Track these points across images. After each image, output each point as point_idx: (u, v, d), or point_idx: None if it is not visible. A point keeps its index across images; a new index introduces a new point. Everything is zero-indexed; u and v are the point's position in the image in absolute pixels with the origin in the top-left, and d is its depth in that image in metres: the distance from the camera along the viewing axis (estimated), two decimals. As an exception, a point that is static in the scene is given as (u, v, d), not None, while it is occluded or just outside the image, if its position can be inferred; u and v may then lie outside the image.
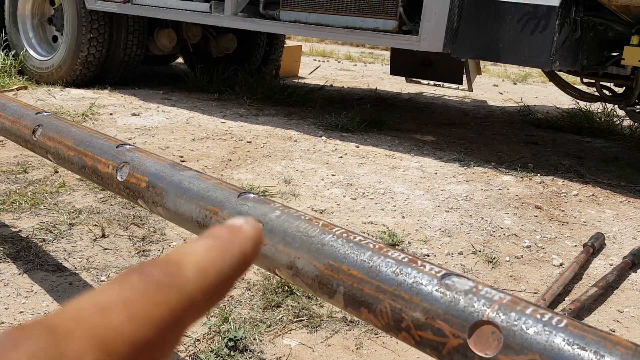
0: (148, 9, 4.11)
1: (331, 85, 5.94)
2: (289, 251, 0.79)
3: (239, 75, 5.25)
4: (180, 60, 6.61)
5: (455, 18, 3.02)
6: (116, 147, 1.18)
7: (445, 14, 2.97)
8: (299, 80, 6.38)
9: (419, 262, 0.69)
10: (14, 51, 4.84)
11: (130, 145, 1.19)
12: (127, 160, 1.12)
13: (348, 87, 6.10)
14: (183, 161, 2.91)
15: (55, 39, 4.91)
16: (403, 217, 2.32)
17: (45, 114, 1.39)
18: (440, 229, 2.21)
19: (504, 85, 7.49)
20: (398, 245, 2.03)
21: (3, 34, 4.98)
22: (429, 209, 2.41)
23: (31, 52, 4.83)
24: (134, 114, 3.81)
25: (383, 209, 2.38)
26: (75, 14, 4.43)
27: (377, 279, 0.69)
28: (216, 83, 5.05)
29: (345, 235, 0.76)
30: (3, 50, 4.83)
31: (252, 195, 0.93)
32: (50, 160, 1.34)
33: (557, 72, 3.70)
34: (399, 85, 6.42)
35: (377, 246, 0.74)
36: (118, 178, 1.12)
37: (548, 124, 4.57)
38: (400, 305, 0.65)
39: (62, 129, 1.29)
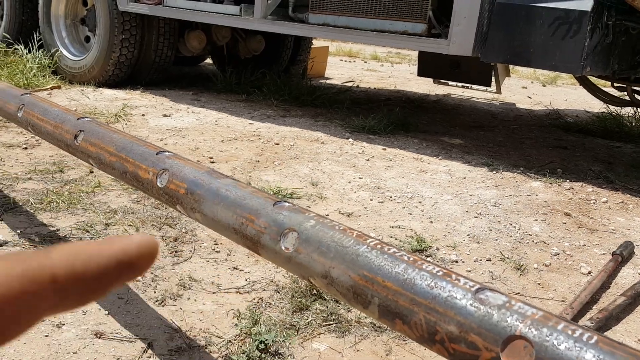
0: (179, 12, 4.19)
1: (357, 86, 5.95)
2: (324, 261, 0.82)
3: (267, 76, 5.30)
4: (208, 60, 6.69)
5: (485, 22, 3.01)
6: (156, 154, 1.22)
7: (475, 18, 2.96)
8: (326, 80, 6.41)
9: (453, 276, 0.71)
10: (48, 51, 4.97)
11: (169, 152, 1.23)
12: (167, 167, 1.16)
13: (375, 88, 6.11)
14: (212, 162, 2.96)
15: (87, 39, 5.03)
16: (431, 222, 2.32)
17: (86, 119, 1.45)
18: (468, 235, 2.21)
19: (533, 87, 7.41)
20: (426, 251, 2.05)
21: (37, 34, 5.12)
22: (457, 214, 2.42)
23: (64, 52, 4.95)
24: (165, 115, 3.88)
25: (411, 213, 2.39)
26: (107, 15, 4.52)
27: (412, 291, 0.71)
28: (244, 84, 5.11)
29: (379, 246, 0.79)
30: (38, 50, 4.96)
31: (287, 204, 0.96)
32: (92, 165, 1.39)
33: (588, 77, 3.65)
34: (426, 86, 6.40)
35: (411, 258, 0.76)
36: (158, 184, 1.16)
37: (577, 128, 4.51)
38: (435, 318, 0.67)
39: (103, 135, 1.34)
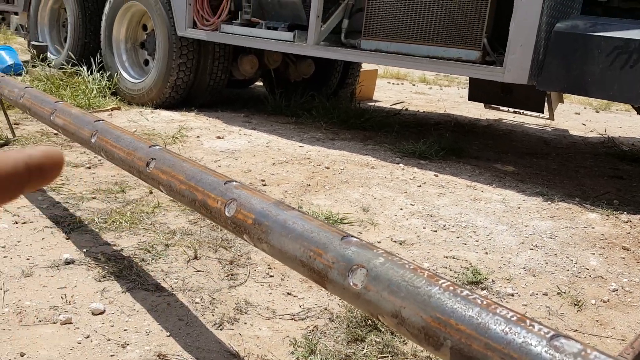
0: (235, 38, 4.31)
1: (406, 109, 5.95)
2: (394, 300, 0.84)
3: (316, 99, 5.38)
4: (258, 82, 6.84)
5: (541, 50, 2.98)
6: (224, 184, 1.27)
7: (531, 46, 2.94)
8: (374, 103, 6.44)
9: (528, 322, 0.72)
10: (109, 73, 5.19)
11: (236, 182, 1.27)
12: (235, 197, 1.21)
13: (424, 112, 6.10)
14: (264, 185, 3.02)
15: (146, 62, 5.23)
16: (486, 252, 2.30)
17: (157, 147, 1.52)
18: (524, 268, 2.18)
19: (586, 113, 7.23)
20: (481, 283, 2.02)
21: (99, 56, 5.36)
22: (512, 246, 2.38)
23: (124, 74, 5.17)
24: (218, 137, 3.98)
25: (465, 243, 2.37)
26: (166, 40, 4.70)
27: (486, 336, 0.71)
28: (294, 107, 5.20)
29: (452, 288, 0.80)
30: (99, 72, 5.19)
31: (354, 239, 0.98)
32: (162, 191, 1.45)
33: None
34: (476, 110, 6.34)
35: (485, 302, 0.76)
36: (226, 213, 1.21)
37: (633, 157, 4.37)
38: (511, 365, 0.68)
39: (174, 164, 1.40)
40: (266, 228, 1.10)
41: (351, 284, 0.90)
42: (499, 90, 4.66)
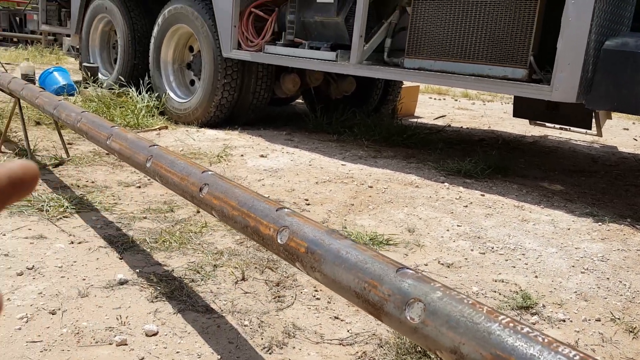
0: (278, 58, 4.38)
1: (449, 126, 5.91)
2: (453, 335, 0.83)
3: (357, 116, 5.40)
4: (299, 99, 6.91)
5: (590, 68, 2.93)
6: (276, 211, 1.29)
7: (579, 64, 2.88)
8: (416, 119, 6.41)
9: (593, 364, 0.70)
10: (157, 93, 5.35)
11: (287, 209, 1.29)
12: (287, 225, 1.22)
13: (467, 128, 6.04)
14: (308, 204, 3.04)
15: (192, 82, 5.37)
16: (536, 276, 2.25)
17: (209, 173, 1.55)
18: (576, 292, 2.12)
19: (636, 128, 7.01)
20: (532, 308, 1.98)
21: (147, 78, 5.54)
22: (563, 269, 2.32)
23: (171, 94, 5.31)
24: (261, 156, 4.04)
25: (514, 267, 2.32)
26: (212, 61, 4.82)
27: (550, 377, 0.70)
28: (335, 124, 5.23)
29: (512, 325, 0.79)
30: (147, 92, 5.36)
31: (410, 271, 0.98)
32: (214, 216, 1.49)
33: None
34: (521, 126, 6.24)
35: (546, 340, 0.75)
36: (278, 241, 1.22)
37: (690, 174, 4.21)
38: (578, 410, 0.66)
39: (226, 190, 1.43)
40: (319, 257, 1.11)
41: (408, 317, 0.90)
42: (544, 106, 4.58)
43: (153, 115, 5.12)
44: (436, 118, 6.59)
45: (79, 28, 6.42)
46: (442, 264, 2.30)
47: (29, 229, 2.37)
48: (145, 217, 2.64)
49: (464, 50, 3.46)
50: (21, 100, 3.24)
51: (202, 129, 4.92)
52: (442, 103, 8.45)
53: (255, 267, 2.18)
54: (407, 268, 0.98)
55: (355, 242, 1.10)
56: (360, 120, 5.24)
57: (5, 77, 3.29)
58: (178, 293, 1.89)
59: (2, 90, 3.43)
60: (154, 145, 1.84)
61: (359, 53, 3.86)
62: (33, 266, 2.03)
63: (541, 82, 3.18)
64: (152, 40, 5.36)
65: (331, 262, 1.08)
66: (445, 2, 3.50)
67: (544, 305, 2.01)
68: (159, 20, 5.25)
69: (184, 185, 1.59)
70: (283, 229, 1.23)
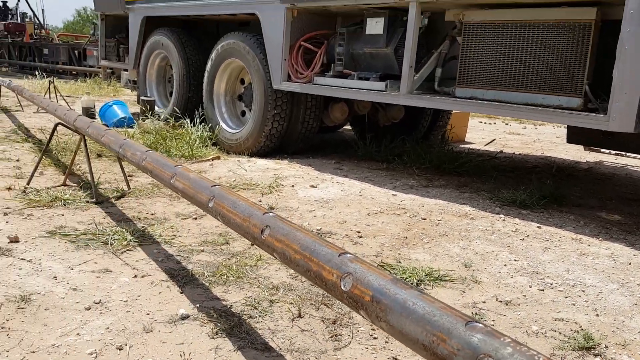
0: (327, 89, 4.46)
1: (501, 152, 5.82)
2: (527, 395, 0.83)
3: (406, 143, 5.39)
4: (346, 126, 6.97)
5: (650, 97, 2.85)
6: (338, 256, 1.31)
7: (637, 93, 2.81)
8: (467, 145, 6.35)
9: None
10: (209, 124, 5.51)
11: (350, 254, 1.32)
12: (350, 272, 1.25)
13: (519, 154, 5.93)
14: (360, 237, 3.05)
15: (243, 113, 5.52)
16: (597, 314, 2.18)
17: (270, 214, 1.60)
18: (642, 333, 2.04)
19: (700, 150, 6.71)
20: (594, 349, 1.92)
21: (200, 109, 5.72)
22: (625, 307, 2.24)
23: (223, 125, 5.47)
24: (312, 186, 4.09)
25: (574, 304, 2.26)
26: (262, 92, 4.94)
27: None
28: (384, 152, 5.24)
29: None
30: (200, 123, 5.53)
31: (479, 325, 0.98)
32: (276, 258, 1.52)
33: None
34: (575, 152, 6.08)
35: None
36: (342, 287, 1.24)
37: None
38: None
39: (288, 232, 1.47)
40: (385, 307, 1.12)
41: (478, 374, 0.90)
42: (599, 132, 4.46)
43: (206, 146, 5.27)
44: (487, 144, 6.50)
45: (136, 63, 6.72)
46: (500, 302, 2.26)
47: (95, 263, 2.47)
48: (202, 250, 2.71)
49: (516, 80, 3.43)
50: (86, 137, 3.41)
51: (253, 158, 5.02)
52: (492, 127, 8.34)
53: (311, 304, 2.20)
54: (476, 321, 0.99)
55: (421, 292, 1.11)
56: (409, 147, 5.23)
57: (71, 115, 3.48)
58: (237, 330, 1.93)
59: (68, 128, 3.62)
60: (216, 185, 1.90)
61: (409, 83, 3.88)
62: (100, 300, 2.11)
63: (597, 112, 3.11)
64: (206, 74, 5.55)
65: (398, 313, 1.09)
66: (497, 32, 3.49)
67: (606, 346, 1.94)
68: (213, 55, 5.44)
69: (246, 226, 1.63)
70: (346, 276, 1.25)
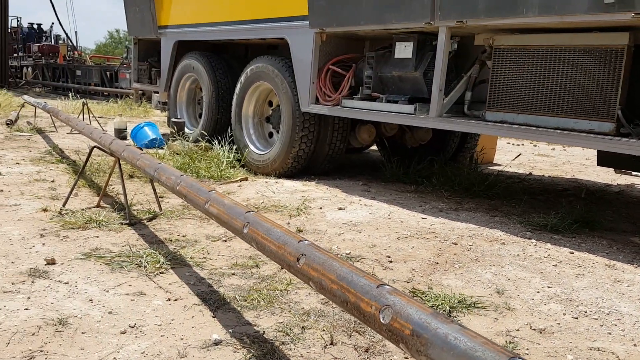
0: (356, 112, 4.49)
1: (530, 174, 5.76)
2: None
3: (435, 165, 5.37)
4: (373, 147, 6.98)
5: (687, 122, 2.80)
6: (376, 287, 1.31)
7: (674, 118, 2.77)
8: (495, 167, 6.30)
9: None
10: (237, 146, 5.59)
11: (388, 286, 1.32)
12: (390, 304, 1.25)
13: (549, 176, 5.86)
14: (390, 261, 3.04)
15: (270, 135, 5.58)
16: (634, 344, 2.13)
17: (306, 242, 1.61)
18: (685, 367, 1.99)
19: None
20: (635, 382, 1.87)
21: (229, 131, 5.80)
22: (666, 338, 2.19)
23: (251, 146, 5.54)
24: (340, 208, 4.10)
25: (610, 333, 2.21)
26: (290, 114, 5.00)
27: None
28: (412, 174, 5.22)
29: None
30: (228, 144, 5.61)
31: (521, 361, 0.97)
32: (312, 287, 1.53)
33: None
34: (605, 174, 5.99)
35: None
36: (381, 320, 1.25)
37: None
38: None
39: (324, 262, 1.48)
40: (425, 341, 1.12)
41: (524, 413, 0.89)
42: (631, 156, 4.39)
43: (234, 167, 5.33)
44: (514, 158, 6.43)
45: (167, 86, 6.87)
46: (534, 330, 2.22)
47: (130, 285, 2.51)
48: (233, 274, 2.73)
49: (547, 104, 3.41)
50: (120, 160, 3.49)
51: (280, 179, 5.06)
52: (520, 149, 8.26)
53: (343, 330, 2.19)
54: (519, 357, 0.98)
55: (462, 327, 1.11)
56: (438, 169, 5.21)
57: (106, 139, 3.57)
58: (270, 356, 1.94)
59: (104, 151, 3.71)
60: (250, 211, 1.93)
61: (439, 106, 3.88)
62: (135, 324, 2.14)
63: (630, 136, 3.07)
64: (235, 97, 5.64)
65: (439, 348, 1.09)
66: (527, 56, 3.49)
67: (650, 381, 1.90)
68: (242, 78, 5.53)
69: (281, 254, 1.65)
70: (385, 308, 1.25)
